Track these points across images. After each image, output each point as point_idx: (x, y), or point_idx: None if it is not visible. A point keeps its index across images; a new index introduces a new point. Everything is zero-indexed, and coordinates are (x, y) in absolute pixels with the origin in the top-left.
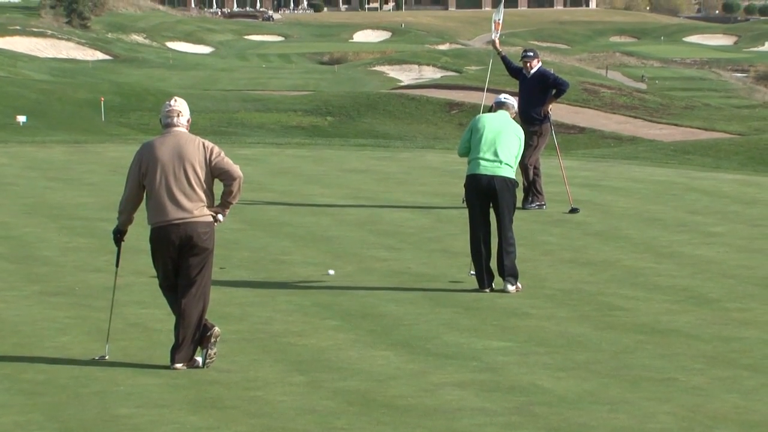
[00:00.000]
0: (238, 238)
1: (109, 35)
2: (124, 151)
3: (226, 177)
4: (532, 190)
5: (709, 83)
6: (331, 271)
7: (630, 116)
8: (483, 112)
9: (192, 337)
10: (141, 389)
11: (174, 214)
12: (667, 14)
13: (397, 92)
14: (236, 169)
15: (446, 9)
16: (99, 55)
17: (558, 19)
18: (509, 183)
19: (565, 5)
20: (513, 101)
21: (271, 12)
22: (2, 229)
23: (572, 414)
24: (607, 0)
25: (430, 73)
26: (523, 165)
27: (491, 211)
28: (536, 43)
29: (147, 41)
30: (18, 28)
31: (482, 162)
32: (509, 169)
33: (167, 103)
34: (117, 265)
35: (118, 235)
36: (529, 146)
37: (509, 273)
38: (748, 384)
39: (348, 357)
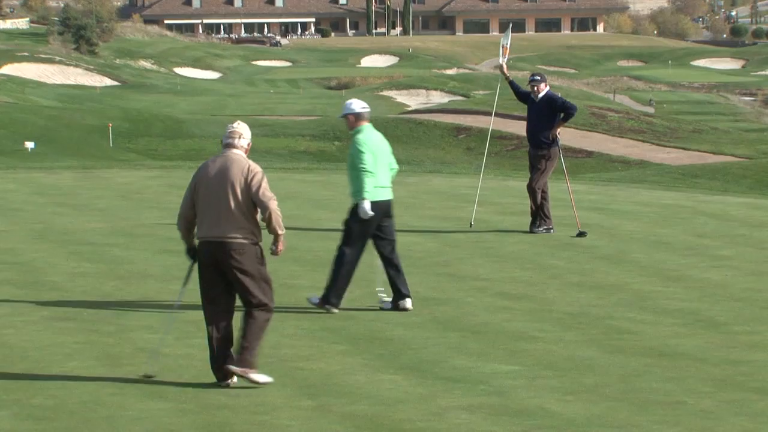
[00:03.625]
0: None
1: (117, 61)
2: (132, 177)
3: (261, 208)
4: (539, 213)
5: (717, 107)
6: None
7: (638, 140)
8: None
9: (254, 348)
10: (150, 414)
11: (211, 231)
12: (675, 38)
13: (404, 117)
14: (269, 202)
15: (454, 34)
16: (107, 81)
17: (565, 44)
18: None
19: (572, 30)
20: (367, 106)
21: (278, 37)
22: (11, 254)
23: None
24: (614, 24)
25: (438, 98)
26: (531, 189)
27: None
28: (544, 67)
29: (155, 67)
30: (26, 54)
31: (380, 189)
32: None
33: (229, 125)
34: (184, 284)
35: (190, 253)
36: (537, 170)
37: (407, 288)
38: (756, 407)
39: (356, 381)
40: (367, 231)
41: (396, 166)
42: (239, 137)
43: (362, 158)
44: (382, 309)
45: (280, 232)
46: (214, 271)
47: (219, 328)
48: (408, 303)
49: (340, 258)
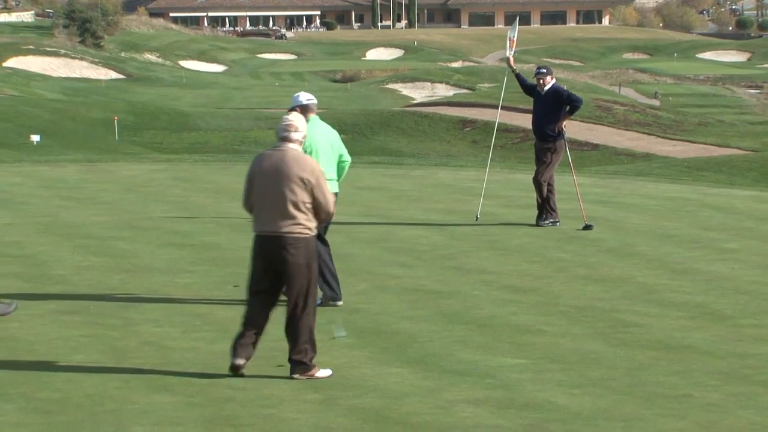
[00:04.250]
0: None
1: (123, 54)
2: (137, 170)
3: (317, 209)
4: (546, 206)
5: (722, 100)
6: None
7: (643, 133)
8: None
9: (306, 349)
10: (156, 407)
11: (267, 226)
12: (680, 31)
13: (410, 110)
14: (327, 205)
15: (459, 27)
16: (112, 74)
17: (571, 36)
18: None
19: (578, 22)
20: (314, 98)
21: (283, 30)
22: (16, 248)
23: (587, 431)
24: (620, 17)
25: (443, 91)
26: (537, 182)
27: None
28: (549, 60)
29: (160, 60)
30: (31, 47)
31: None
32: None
33: (285, 116)
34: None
35: None
36: (543, 163)
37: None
38: (763, 400)
39: (362, 374)
40: None
41: (347, 159)
42: (295, 130)
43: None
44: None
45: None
46: (266, 264)
47: (257, 319)
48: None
49: None
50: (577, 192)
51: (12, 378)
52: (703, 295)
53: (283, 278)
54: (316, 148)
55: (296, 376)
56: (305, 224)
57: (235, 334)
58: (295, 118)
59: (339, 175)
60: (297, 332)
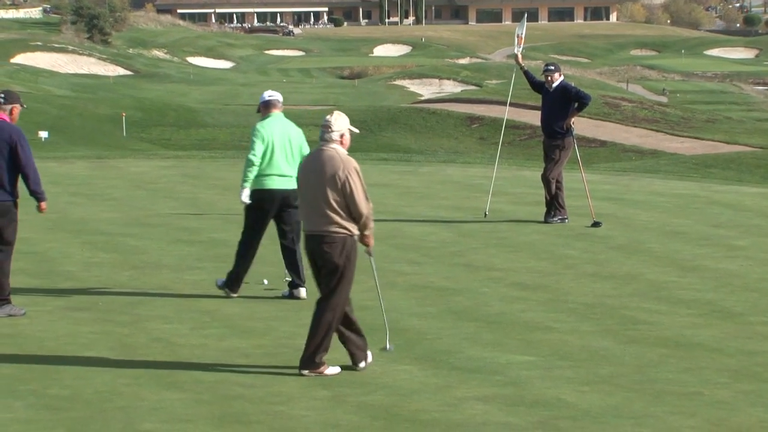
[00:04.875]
0: (261, 253)
1: (130, 51)
2: (146, 167)
3: (353, 209)
4: (554, 203)
5: (730, 96)
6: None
7: (651, 130)
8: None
9: (317, 346)
10: (165, 404)
11: (309, 225)
12: (688, 27)
13: (417, 106)
14: (360, 205)
15: (466, 23)
16: (120, 71)
17: (578, 33)
18: (296, 194)
19: (585, 19)
20: (279, 96)
21: (291, 27)
22: (25, 244)
23: (596, 428)
24: (627, 13)
25: (451, 87)
26: (546, 179)
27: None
28: (557, 56)
29: (168, 56)
30: (39, 43)
31: (276, 178)
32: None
33: (327, 117)
34: None
35: None
36: (552, 160)
37: (304, 278)
38: None
39: (371, 371)
40: (261, 219)
41: None
42: (331, 130)
43: (251, 146)
44: (282, 296)
45: (366, 232)
46: (314, 262)
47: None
48: (302, 292)
49: (239, 245)
50: (586, 189)
51: (21, 375)
52: (712, 292)
53: (322, 274)
54: (272, 145)
55: (305, 372)
56: (341, 223)
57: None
58: (332, 117)
59: None
60: (315, 327)
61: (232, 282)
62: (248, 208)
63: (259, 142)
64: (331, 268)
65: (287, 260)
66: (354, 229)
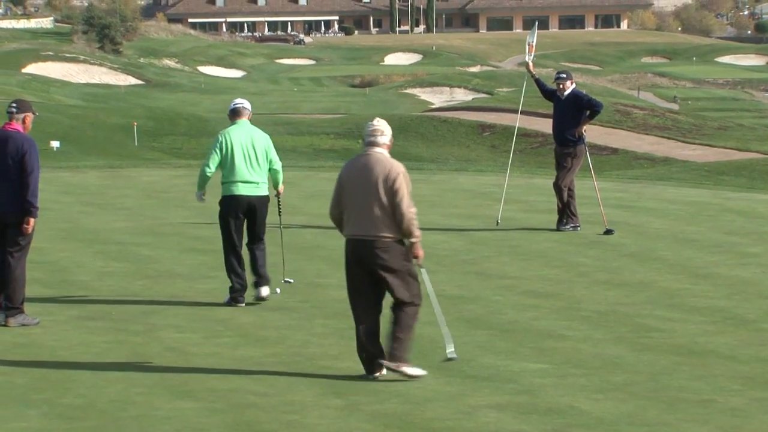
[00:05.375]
0: (273, 261)
1: (141, 60)
2: (157, 176)
3: (397, 214)
4: (566, 211)
5: (741, 103)
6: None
7: (663, 137)
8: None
9: (405, 343)
10: (179, 413)
11: (357, 230)
12: (699, 35)
13: (429, 114)
14: (404, 208)
15: (477, 31)
16: (131, 80)
17: (589, 41)
18: (265, 200)
19: (596, 26)
20: (247, 103)
21: (302, 35)
22: (38, 254)
23: None
24: (638, 21)
25: (462, 96)
26: (558, 186)
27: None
28: (568, 64)
29: (179, 66)
30: (50, 53)
31: (240, 184)
32: (264, 186)
33: (369, 123)
34: None
35: None
36: (564, 168)
37: (265, 278)
38: None
39: (384, 379)
40: (230, 226)
41: (276, 166)
42: (381, 134)
43: (210, 151)
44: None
45: (414, 239)
46: (360, 267)
47: (367, 323)
48: (263, 291)
49: (224, 260)
50: (598, 197)
51: (35, 384)
52: (725, 299)
53: (379, 279)
54: (231, 151)
55: (385, 362)
56: (394, 228)
57: (357, 346)
58: (380, 123)
59: (275, 180)
60: (396, 326)
61: (236, 294)
62: (219, 219)
63: (214, 153)
64: (390, 273)
65: (253, 260)
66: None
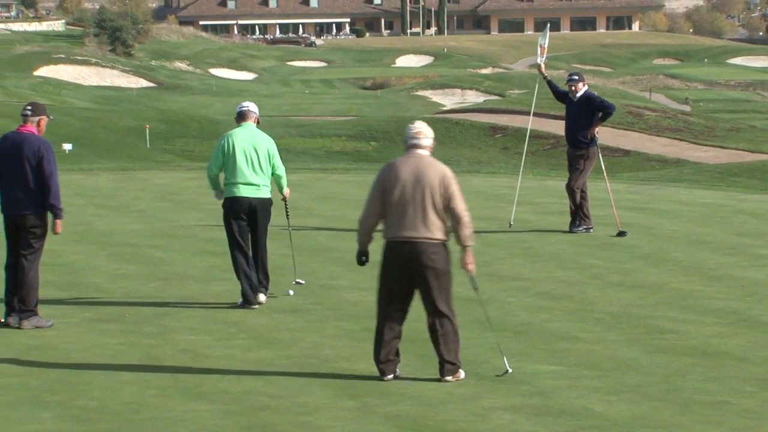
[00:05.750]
0: (286, 264)
1: (153, 63)
2: (170, 178)
3: (454, 218)
4: (579, 213)
5: (753, 105)
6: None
7: (675, 139)
8: (530, 133)
9: (456, 351)
10: (193, 415)
11: (406, 232)
12: (711, 36)
13: (440, 116)
14: (462, 213)
15: (488, 33)
16: (143, 83)
17: (601, 42)
18: (266, 203)
19: (607, 28)
20: (254, 107)
21: (313, 38)
22: (52, 256)
23: None
24: (649, 22)
25: (473, 98)
26: (570, 188)
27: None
28: (579, 66)
29: (190, 68)
30: (62, 56)
31: (241, 186)
32: (266, 189)
33: (411, 125)
34: None
35: (363, 257)
36: (576, 169)
37: (263, 284)
38: None
39: (398, 381)
40: (231, 226)
41: (279, 171)
42: (425, 137)
43: (213, 153)
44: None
45: (469, 243)
46: (401, 271)
47: (393, 327)
48: (260, 297)
49: (232, 263)
50: (611, 198)
51: (49, 386)
52: (738, 301)
53: (420, 284)
54: (233, 152)
55: (448, 378)
56: (443, 229)
57: (375, 346)
58: (422, 125)
59: (279, 185)
60: (446, 335)
61: (247, 296)
62: (223, 221)
63: (216, 154)
64: (437, 275)
65: (258, 267)
66: (449, 238)
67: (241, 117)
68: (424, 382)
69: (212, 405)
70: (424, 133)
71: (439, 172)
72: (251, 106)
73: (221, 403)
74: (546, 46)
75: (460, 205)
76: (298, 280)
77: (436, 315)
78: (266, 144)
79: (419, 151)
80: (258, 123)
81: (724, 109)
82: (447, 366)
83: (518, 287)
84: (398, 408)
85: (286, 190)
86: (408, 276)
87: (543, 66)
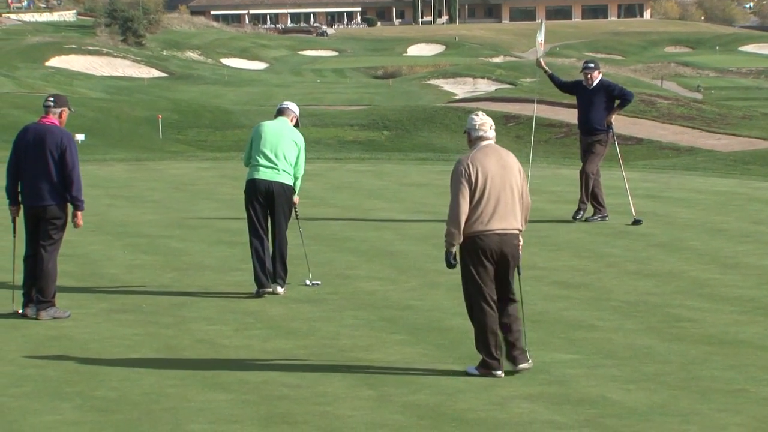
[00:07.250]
0: (303, 254)
1: (164, 53)
2: (184, 168)
3: (525, 202)
4: (593, 203)
5: (765, 92)
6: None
7: (687, 126)
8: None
9: (519, 332)
10: (212, 405)
11: (498, 224)
12: (722, 24)
13: (452, 105)
14: (528, 196)
15: (500, 21)
16: (154, 73)
17: (613, 30)
18: (286, 189)
19: (619, 16)
20: (294, 106)
21: (325, 27)
22: (68, 247)
23: (643, 426)
24: (661, 10)
25: (485, 86)
26: (585, 173)
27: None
28: (591, 54)
29: (202, 58)
30: (74, 46)
31: (261, 168)
32: (287, 176)
33: (474, 116)
34: None
35: (454, 260)
36: (591, 153)
37: (280, 276)
38: None
39: (416, 371)
40: (249, 210)
41: (298, 173)
42: (490, 128)
43: (246, 145)
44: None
45: (524, 228)
46: (491, 261)
47: (494, 316)
48: (277, 288)
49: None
50: (626, 187)
51: (68, 377)
52: (755, 289)
53: (502, 272)
54: (259, 137)
55: (524, 366)
56: (520, 218)
57: (485, 343)
58: (484, 116)
59: (293, 183)
60: (516, 322)
61: (258, 279)
62: (245, 205)
63: (248, 144)
64: (516, 263)
65: (272, 258)
66: None
67: (279, 113)
68: (441, 371)
69: (231, 395)
70: (489, 123)
71: (515, 160)
72: (291, 105)
73: (240, 393)
74: (543, 41)
75: (526, 192)
76: (314, 281)
77: (506, 306)
78: (294, 137)
79: (490, 141)
80: (297, 124)
81: (735, 97)
82: (518, 358)
83: (534, 276)
84: (417, 397)
85: (296, 198)
86: (494, 266)
87: (542, 61)
